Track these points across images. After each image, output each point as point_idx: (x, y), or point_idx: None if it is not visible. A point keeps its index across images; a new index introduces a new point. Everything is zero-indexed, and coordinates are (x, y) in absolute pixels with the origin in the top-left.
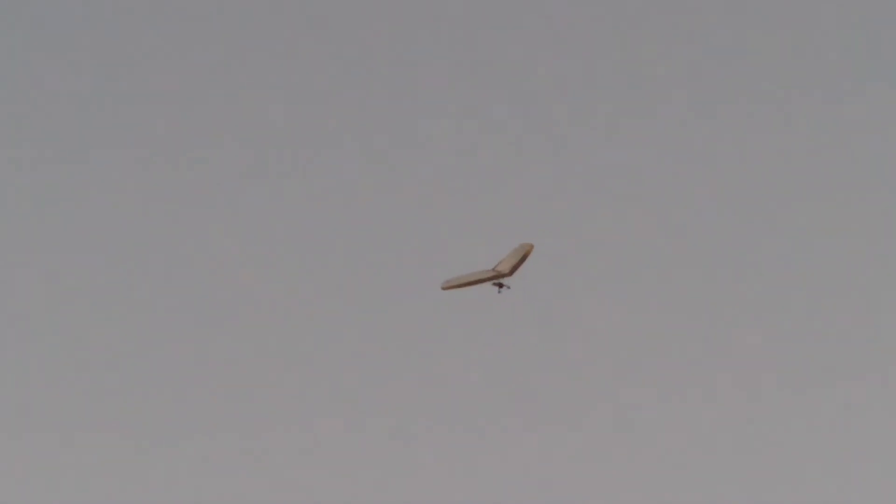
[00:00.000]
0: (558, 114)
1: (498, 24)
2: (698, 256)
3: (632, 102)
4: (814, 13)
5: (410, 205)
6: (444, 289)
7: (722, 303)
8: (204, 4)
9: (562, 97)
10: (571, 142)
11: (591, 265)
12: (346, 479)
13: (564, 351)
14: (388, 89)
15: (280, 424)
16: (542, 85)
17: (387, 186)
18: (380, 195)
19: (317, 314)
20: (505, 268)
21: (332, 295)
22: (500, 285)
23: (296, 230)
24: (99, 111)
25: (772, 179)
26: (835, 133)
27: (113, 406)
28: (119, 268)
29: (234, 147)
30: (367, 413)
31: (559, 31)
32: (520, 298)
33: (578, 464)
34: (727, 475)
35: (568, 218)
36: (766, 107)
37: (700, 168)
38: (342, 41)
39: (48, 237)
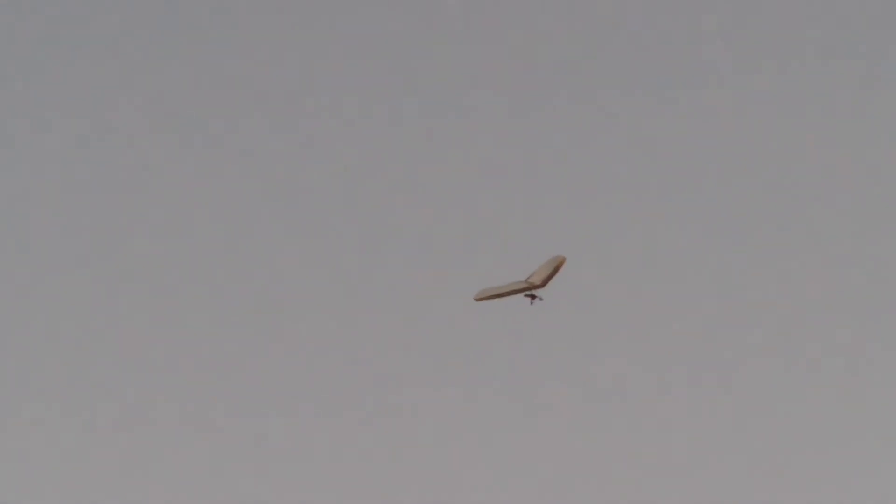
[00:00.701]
0: (593, 126)
1: (538, 33)
2: (733, 268)
3: (665, 113)
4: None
5: (444, 216)
6: (476, 300)
7: (760, 316)
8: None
9: (597, 109)
10: (606, 154)
11: (624, 277)
12: (372, 490)
13: (596, 361)
14: (419, 99)
15: (304, 432)
16: (577, 97)
17: (421, 197)
18: (414, 206)
19: (349, 325)
20: (537, 279)
21: (365, 305)
22: (533, 297)
23: (328, 241)
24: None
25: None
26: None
27: (111, 402)
28: (124, 265)
29: (262, 153)
30: (399, 423)
31: (600, 37)
32: (552, 310)
33: (607, 477)
34: (749, 489)
35: (601, 230)
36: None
37: (736, 180)
38: (368, 46)
39: (32, 228)
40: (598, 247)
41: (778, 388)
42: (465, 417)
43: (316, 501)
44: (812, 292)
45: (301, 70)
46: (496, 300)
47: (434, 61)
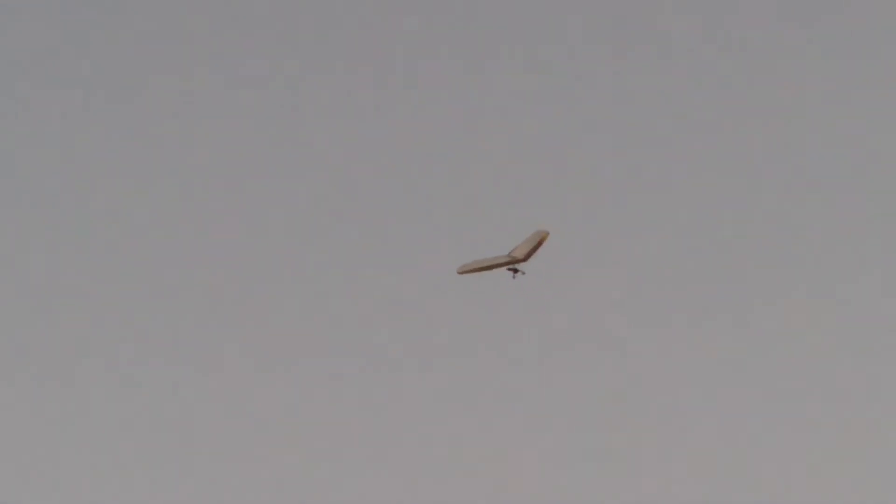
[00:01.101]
0: (579, 100)
1: (520, 7)
2: (714, 246)
3: (651, 89)
4: None
5: (429, 191)
6: (459, 273)
7: (740, 293)
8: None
9: (584, 84)
10: (591, 129)
11: (605, 254)
12: (353, 467)
13: (576, 337)
14: (403, 75)
15: (287, 411)
16: (564, 69)
17: (407, 169)
18: (399, 178)
19: (332, 297)
20: (520, 254)
21: (347, 277)
22: (515, 271)
23: (313, 215)
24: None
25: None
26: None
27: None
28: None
29: (255, 140)
30: (381, 398)
31: (584, 13)
32: (533, 284)
33: (584, 456)
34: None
35: (584, 206)
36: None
37: (720, 155)
38: (352, 29)
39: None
40: (582, 222)
41: (774, 376)
42: (446, 389)
43: (309, 487)
44: (808, 274)
45: (285, 49)
46: (479, 273)
47: (417, 36)
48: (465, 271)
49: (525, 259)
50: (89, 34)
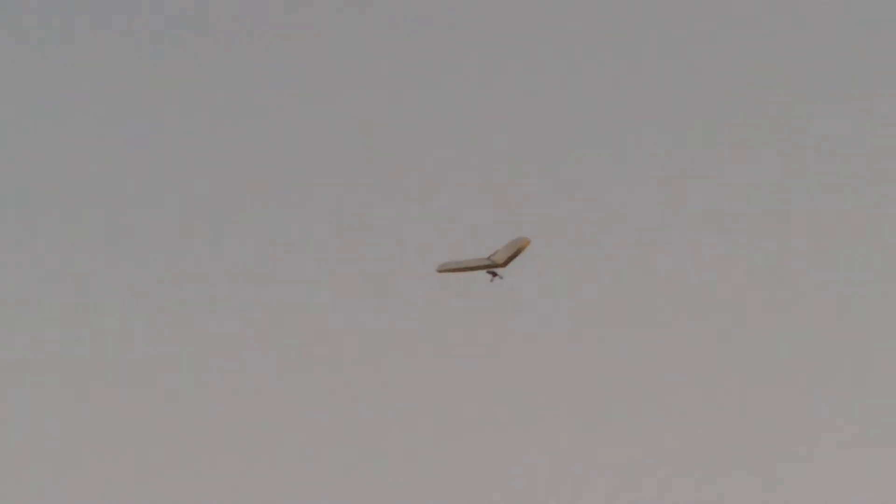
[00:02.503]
0: (565, 111)
1: (504, 17)
2: (692, 257)
3: (635, 102)
4: None
5: (417, 189)
6: (439, 272)
7: (721, 301)
8: None
9: (569, 94)
10: (580, 142)
11: (587, 265)
12: (336, 468)
13: (550, 340)
14: (393, 84)
15: (273, 412)
16: (551, 81)
17: (398, 168)
18: (391, 177)
19: (314, 295)
20: (499, 258)
21: (332, 268)
22: (494, 274)
23: (300, 215)
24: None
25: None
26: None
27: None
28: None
29: (235, 145)
30: (362, 396)
31: (565, 21)
32: (510, 289)
33: (559, 456)
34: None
35: (569, 217)
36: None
37: (702, 165)
38: (342, 35)
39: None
40: (565, 233)
41: (752, 373)
42: (423, 389)
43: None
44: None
45: (278, 48)
46: (458, 273)
47: (410, 43)
48: (444, 270)
49: (504, 264)
50: (88, 32)
